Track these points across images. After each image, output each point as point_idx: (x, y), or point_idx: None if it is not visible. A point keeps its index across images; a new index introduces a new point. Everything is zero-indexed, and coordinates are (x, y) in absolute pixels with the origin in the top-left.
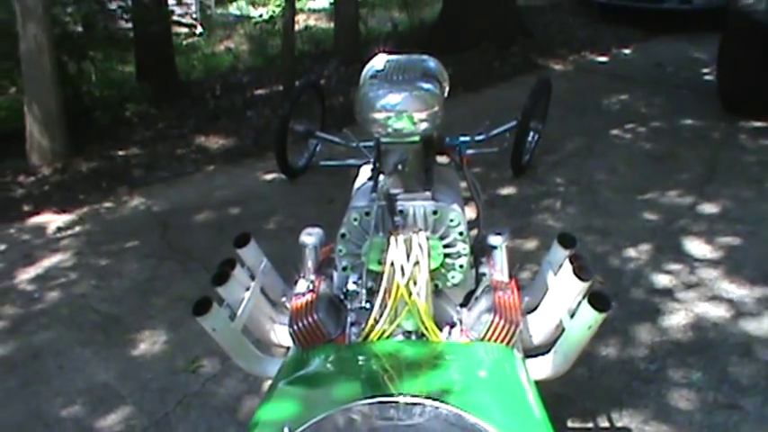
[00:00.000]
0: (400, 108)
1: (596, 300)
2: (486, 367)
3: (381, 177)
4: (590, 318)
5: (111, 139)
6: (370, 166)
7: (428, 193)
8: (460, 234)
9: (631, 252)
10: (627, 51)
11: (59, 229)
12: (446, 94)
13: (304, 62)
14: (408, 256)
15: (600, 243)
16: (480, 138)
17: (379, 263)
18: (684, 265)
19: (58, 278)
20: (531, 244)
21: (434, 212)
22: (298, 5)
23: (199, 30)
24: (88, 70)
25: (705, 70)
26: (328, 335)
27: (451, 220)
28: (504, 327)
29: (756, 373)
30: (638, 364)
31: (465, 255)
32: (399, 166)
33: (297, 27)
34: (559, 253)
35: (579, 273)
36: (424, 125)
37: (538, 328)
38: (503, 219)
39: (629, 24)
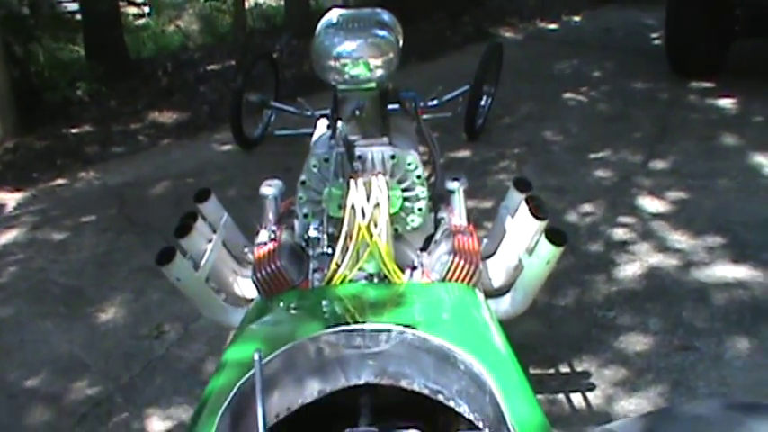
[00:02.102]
0: (356, 55)
1: (553, 235)
2: (449, 305)
3: (339, 124)
4: (548, 252)
5: (62, 118)
6: (326, 120)
7: (385, 139)
8: (418, 178)
9: (586, 208)
10: (577, 19)
11: (15, 208)
12: (400, 46)
13: (255, 38)
14: (368, 199)
15: (555, 200)
16: (434, 103)
17: (340, 208)
18: (638, 220)
19: (16, 254)
20: (487, 203)
21: (392, 157)
22: None
23: (146, 9)
24: (36, 51)
25: (654, 35)
26: (291, 282)
27: (409, 164)
28: (464, 267)
29: (710, 317)
30: (595, 313)
31: (423, 198)
32: (357, 112)
33: (247, 4)
34: (516, 197)
35: (536, 212)
36: (379, 72)
37: (497, 270)
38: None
39: None
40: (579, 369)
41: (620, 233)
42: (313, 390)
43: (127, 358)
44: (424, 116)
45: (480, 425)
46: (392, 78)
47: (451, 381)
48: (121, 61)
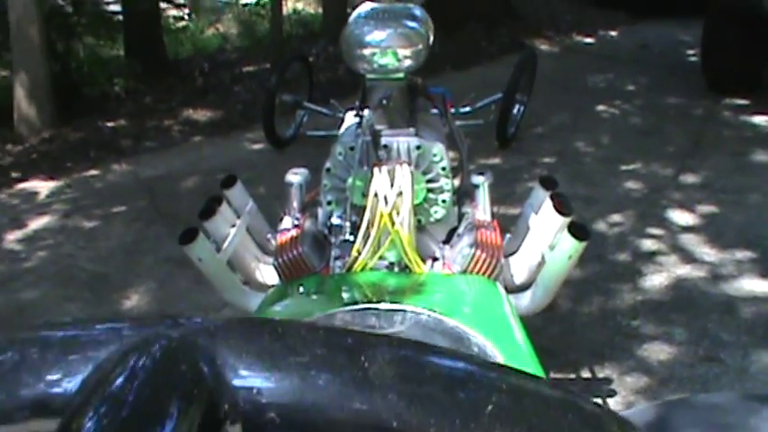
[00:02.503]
0: (385, 44)
1: (576, 229)
2: (469, 296)
3: (366, 112)
4: (570, 247)
5: (99, 112)
6: (353, 112)
7: (412, 130)
8: (443, 169)
9: (615, 218)
10: (613, 33)
11: (47, 196)
12: (430, 41)
13: (292, 42)
14: (392, 187)
15: (584, 210)
16: (466, 110)
17: (363, 196)
18: (667, 231)
19: (46, 239)
20: (514, 210)
21: (418, 147)
22: None
23: (187, 13)
24: (77, 48)
25: (690, 51)
26: (312, 268)
27: (434, 155)
28: (485, 260)
29: (737, 330)
30: (620, 321)
31: (448, 190)
32: (384, 102)
33: (285, 11)
34: (541, 195)
35: (560, 208)
36: (408, 62)
37: (520, 266)
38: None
39: (616, 9)
40: (601, 375)
41: (647, 244)
42: None
43: None
44: (457, 122)
45: None
46: (421, 74)
47: None
48: (159, 60)
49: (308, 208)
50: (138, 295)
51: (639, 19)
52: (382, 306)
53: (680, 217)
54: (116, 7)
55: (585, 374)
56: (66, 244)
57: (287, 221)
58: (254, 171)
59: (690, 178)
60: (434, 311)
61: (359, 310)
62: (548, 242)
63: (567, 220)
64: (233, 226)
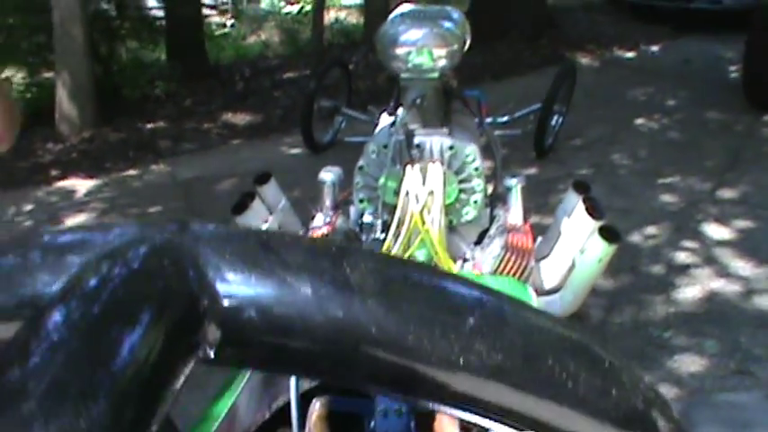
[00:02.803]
0: (420, 43)
1: (607, 232)
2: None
3: (400, 111)
4: (600, 250)
5: (139, 113)
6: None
7: (445, 130)
8: (476, 170)
9: (650, 230)
10: (655, 49)
11: (85, 194)
12: (466, 43)
13: (333, 51)
14: (423, 185)
15: (620, 221)
16: (504, 119)
17: (395, 194)
18: (702, 245)
19: None
20: (549, 220)
21: (451, 148)
22: (329, 1)
23: (230, 21)
24: (119, 50)
25: (732, 68)
26: None
27: (467, 156)
28: (516, 261)
29: None
30: (651, 332)
31: (480, 191)
32: (418, 101)
33: (327, 20)
34: (573, 199)
35: (592, 212)
36: (442, 62)
37: (550, 270)
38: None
39: (658, 23)
40: None
41: (682, 257)
42: None
43: None
44: (495, 132)
45: None
46: (458, 80)
47: None
48: (200, 64)
49: (341, 206)
50: None
51: (682, 34)
52: None
53: (716, 231)
54: (160, 12)
55: None
56: None
57: (319, 219)
58: (292, 174)
59: (727, 193)
60: None
61: None
62: (579, 246)
63: (599, 223)
64: (265, 222)
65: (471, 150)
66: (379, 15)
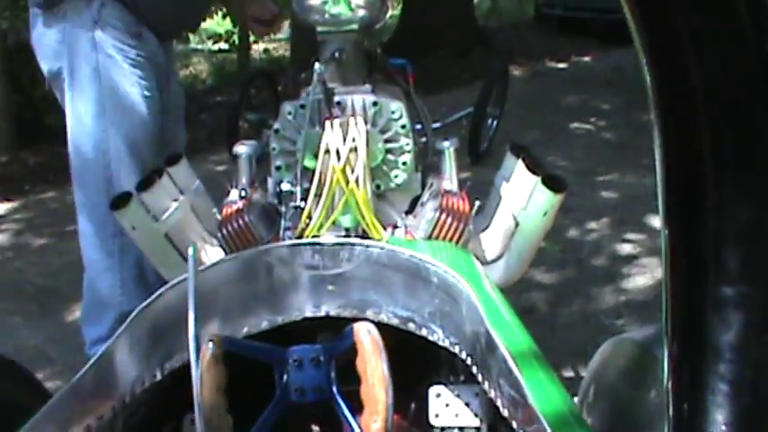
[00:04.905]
0: None
1: (551, 181)
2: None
3: (317, 66)
4: (545, 201)
5: (61, 139)
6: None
7: (368, 86)
8: (403, 127)
9: (593, 225)
10: (587, 59)
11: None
12: (389, 2)
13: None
14: (345, 141)
15: (561, 218)
16: (436, 125)
17: (315, 157)
18: (647, 236)
19: None
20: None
21: (374, 104)
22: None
23: None
24: (41, 80)
25: None
26: (260, 239)
27: (393, 113)
28: (452, 224)
29: None
30: (602, 321)
31: (408, 151)
32: (336, 54)
33: (257, 52)
34: (512, 162)
35: (533, 167)
36: (361, 12)
37: (492, 238)
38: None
39: (589, 36)
40: (583, 374)
41: (627, 248)
42: (261, 318)
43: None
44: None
45: (456, 349)
46: (380, 42)
47: (423, 302)
48: None
49: (258, 181)
50: None
51: (614, 45)
52: (325, 240)
53: (658, 222)
54: None
55: (568, 374)
56: (16, 260)
57: (234, 194)
58: (218, 190)
59: None
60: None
61: (298, 244)
62: (521, 204)
63: (540, 178)
64: (174, 201)
65: (397, 107)
66: (307, 44)
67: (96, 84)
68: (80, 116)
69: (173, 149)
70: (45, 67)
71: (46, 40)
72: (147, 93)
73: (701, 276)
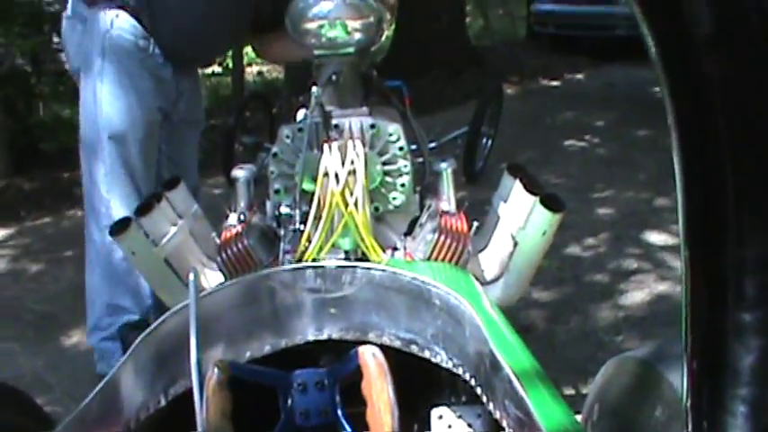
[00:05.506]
0: (333, 15)
1: (549, 201)
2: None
3: (314, 90)
4: (543, 221)
5: (57, 165)
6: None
7: (365, 109)
8: (400, 150)
9: (590, 241)
10: (579, 76)
11: None
12: (385, 18)
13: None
14: (343, 164)
15: (558, 236)
16: (431, 145)
17: (313, 180)
18: (644, 251)
19: None
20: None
21: (372, 126)
22: (253, 55)
23: None
24: (36, 106)
25: (656, 89)
26: (259, 262)
27: (390, 135)
28: (450, 245)
29: None
30: (601, 337)
31: (406, 173)
32: (333, 77)
33: (251, 74)
34: (509, 182)
35: (530, 187)
36: (358, 35)
37: (490, 258)
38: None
39: (580, 54)
40: (584, 391)
41: (625, 264)
42: (264, 342)
43: (94, 380)
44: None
45: (460, 370)
46: (374, 63)
47: (426, 324)
48: None
49: (257, 205)
50: (82, 332)
51: (605, 62)
52: (327, 263)
53: (657, 237)
54: None
55: (569, 391)
56: (13, 286)
57: (233, 218)
58: (215, 212)
59: (664, 202)
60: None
61: (300, 268)
62: (519, 224)
63: (539, 198)
64: (173, 225)
65: (394, 129)
66: (301, 67)
67: (99, 84)
68: (85, 108)
69: (182, 169)
70: (68, 65)
71: (71, 40)
72: (145, 102)
73: (721, 300)
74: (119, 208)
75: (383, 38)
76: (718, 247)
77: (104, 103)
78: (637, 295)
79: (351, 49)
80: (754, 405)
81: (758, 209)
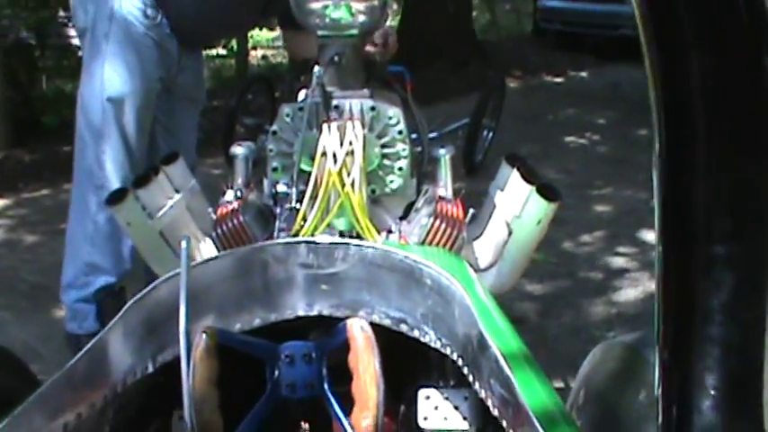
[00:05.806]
0: None
1: (545, 190)
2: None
3: (316, 70)
4: (539, 209)
5: (58, 138)
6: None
7: (366, 91)
8: (399, 133)
9: (586, 238)
10: (583, 74)
11: None
12: (390, 7)
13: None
14: (342, 145)
15: (554, 231)
16: (432, 135)
17: (311, 160)
18: (639, 250)
19: None
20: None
21: (372, 108)
22: (258, 38)
23: None
24: (39, 79)
25: None
26: (254, 239)
27: (390, 118)
28: (445, 230)
29: None
30: (593, 332)
31: (404, 157)
32: (336, 58)
33: (255, 57)
34: (507, 172)
35: (527, 176)
36: (362, 17)
37: (485, 246)
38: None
39: (585, 52)
40: (573, 385)
41: (620, 261)
42: (254, 315)
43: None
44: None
45: (448, 350)
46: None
47: (416, 303)
48: None
49: (254, 182)
50: None
51: (609, 61)
52: (320, 239)
53: (651, 236)
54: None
55: (558, 384)
56: (9, 256)
57: (229, 194)
58: (214, 192)
59: None
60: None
61: (293, 243)
62: (515, 213)
63: (535, 187)
64: (170, 199)
65: (394, 113)
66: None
67: (105, 45)
68: (88, 68)
69: (181, 140)
70: (76, 25)
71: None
72: (146, 70)
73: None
74: (110, 168)
75: (387, 22)
76: (690, 238)
77: (107, 64)
78: (630, 292)
79: (354, 31)
80: (724, 346)
81: (727, 139)
